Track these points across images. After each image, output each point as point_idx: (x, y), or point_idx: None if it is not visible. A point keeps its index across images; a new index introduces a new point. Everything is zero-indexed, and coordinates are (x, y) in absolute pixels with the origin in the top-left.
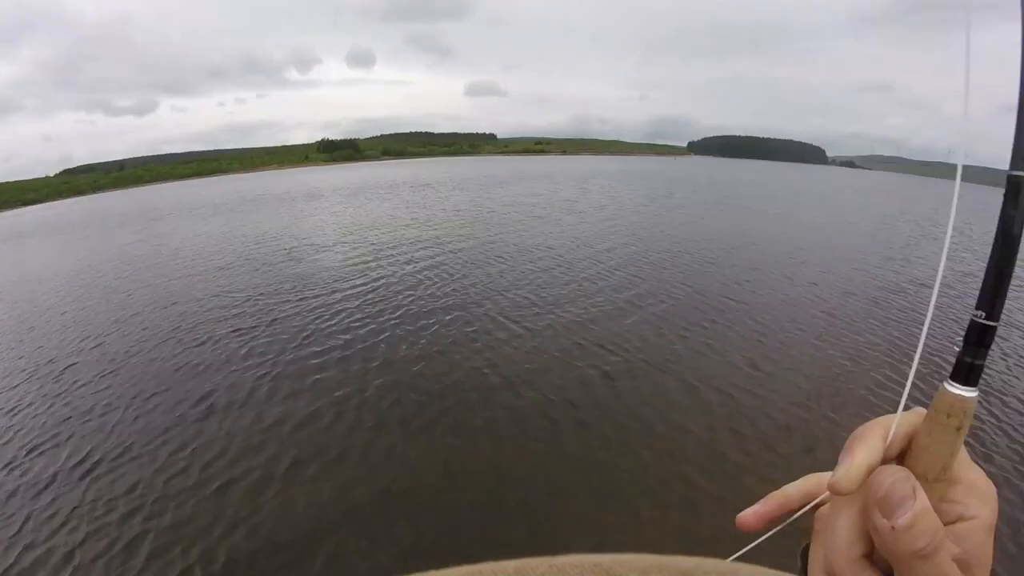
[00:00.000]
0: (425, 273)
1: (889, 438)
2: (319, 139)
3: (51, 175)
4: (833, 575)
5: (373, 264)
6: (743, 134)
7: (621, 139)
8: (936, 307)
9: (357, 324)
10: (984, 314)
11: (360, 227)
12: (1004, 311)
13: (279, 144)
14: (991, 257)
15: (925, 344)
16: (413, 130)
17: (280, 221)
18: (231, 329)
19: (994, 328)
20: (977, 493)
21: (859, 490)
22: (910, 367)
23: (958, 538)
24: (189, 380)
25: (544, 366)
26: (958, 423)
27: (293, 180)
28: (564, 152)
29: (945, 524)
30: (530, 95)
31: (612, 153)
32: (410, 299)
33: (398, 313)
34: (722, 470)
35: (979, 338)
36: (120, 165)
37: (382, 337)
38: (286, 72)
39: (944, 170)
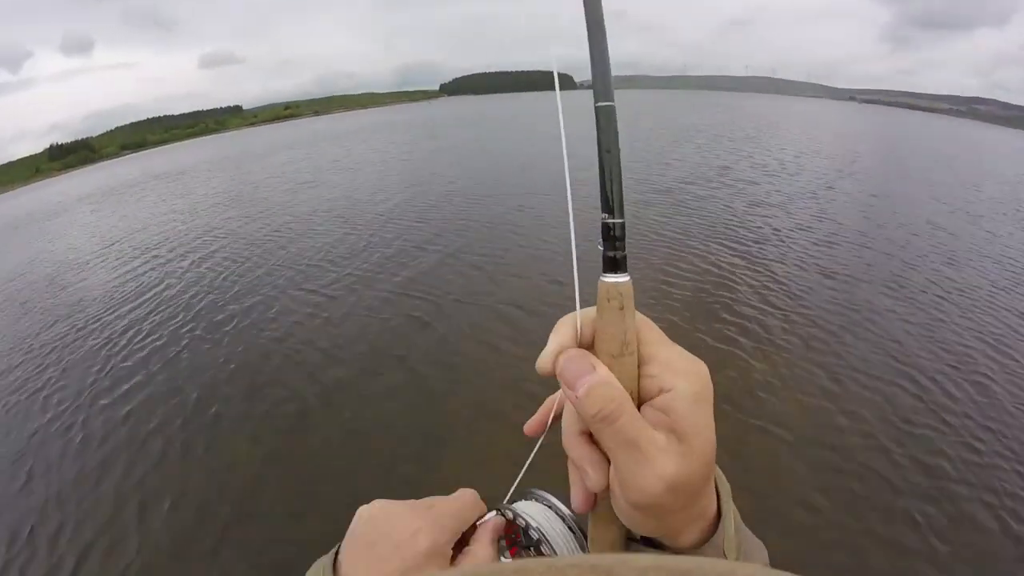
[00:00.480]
0: (207, 266)
1: (578, 328)
2: (47, 146)
3: None
4: (566, 449)
5: (149, 271)
6: (491, 71)
7: (372, 91)
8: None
9: (152, 339)
10: (607, 215)
11: (122, 235)
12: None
13: (2, 161)
14: (600, 171)
15: (579, 248)
16: (150, 116)
17: (26, 252)
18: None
19: (622, 223)
20: (673, 368)
21: None
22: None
23: (663, 409)
24: None
25: (360, 328)
26: (619, 304)
27: (27, 199)
28: (316, 113)
29: (648, 398)
30: (270, 59)
31: (365, 107)
32: (200, 298)
33: (192, 315)
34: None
35: (611, 234)
36: None
37: (183, 345)
38: None
39: (681, 82)
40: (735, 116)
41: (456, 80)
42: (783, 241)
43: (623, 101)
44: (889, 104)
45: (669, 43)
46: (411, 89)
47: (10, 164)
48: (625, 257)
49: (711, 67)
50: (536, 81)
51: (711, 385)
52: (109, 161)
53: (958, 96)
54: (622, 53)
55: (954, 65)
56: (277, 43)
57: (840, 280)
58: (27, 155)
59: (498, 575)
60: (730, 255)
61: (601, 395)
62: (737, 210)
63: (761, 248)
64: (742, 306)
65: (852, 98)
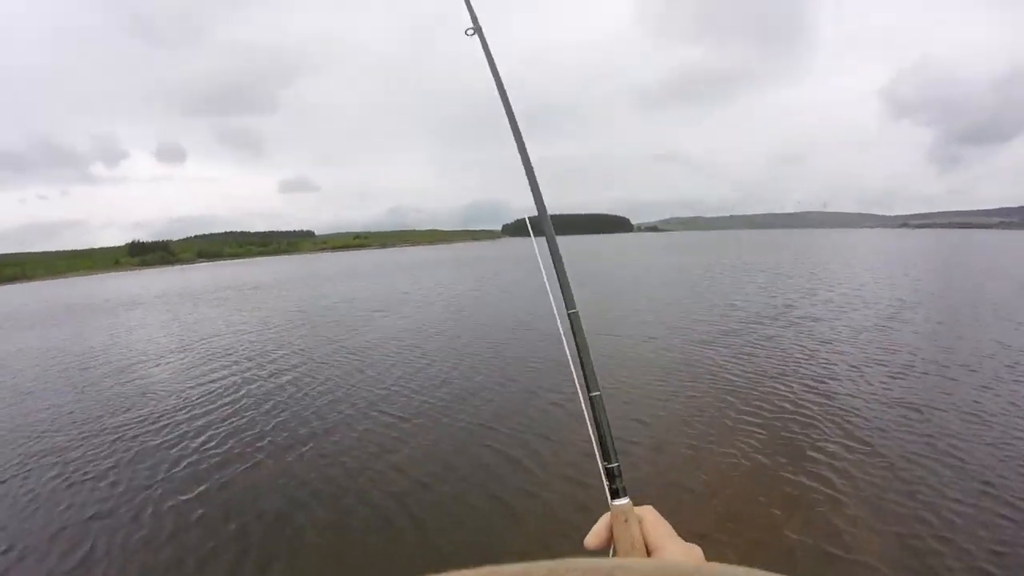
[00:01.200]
0: (286, 380)
1: (602, 532)
2: (129, 240)
3: None
4: None
5: (224, 377)
6: (555, 212)
7: (438, 227)
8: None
9: (230, 445)
10: (606, 462)
11: (197, 338)
12: None
13: (86, 247)
14: (595, 423)
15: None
16: (228, 229)
17: (102, 337)
18: (93, 475)
19: (618, 465)
20: (672, 553)
21: None
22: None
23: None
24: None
25: (445, 457)
26: (624, 518)
27: (107, 287)
28: (383, 245)
29: None
30: (345, 189)
31: (431, 242)
32: (279, 410)
33: (272, 426)
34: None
35: (612, 475)
36: None
37: (264, 455)
38: (92, 166)
39: (735, 221)
40: (792, 252)
41: (517, 221)
42: (858, 375)
43: (684, 242)
44: (943, 226)
45: (722, 183)
46: (475, 228)
47: (93, 251)
48: (624, 487)
49: (764, 204)
50: (598, 223)
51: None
52: (185, 265)
53: (1010, 208)
54: (678, 195)
55: (1003, 175)
56: (353, 175)
57: (918, 410)
58: (110, 246)
59: None
60: (806, 392)
61: None
62: (807, 347)
63: (837, 384)
64: (826, 443)
65: (904, 224)
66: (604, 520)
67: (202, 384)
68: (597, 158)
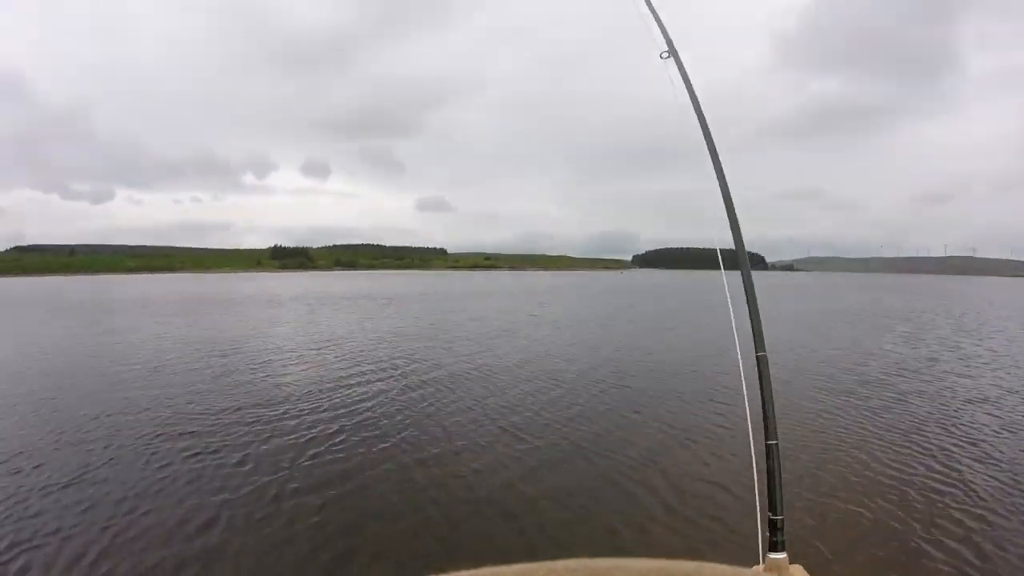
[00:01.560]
0: (417, 390)
1: None
2: (271, 245)
3: (2, 250)
4: None
5: (359, 380)
6: (683, 245)
7: (568, 254)
8: None
9: (355, 445)
10: (772, 513)
11: (334, 339)
12: None
13: (231, 247)
14: (768, 474)
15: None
16: (364, 241)
17: (240, 330)
18: (276, 448)
19: (782, 519)
20: None
21: None
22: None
23: None
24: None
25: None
26: (780, 572)
27: (248, 284)
28: (512, 268)
29: None
30: (478, 212)
31: (560, 268)
32: (408, 418)
33: (398, 433)
34: None
35: (775, 527)
36: (71, 250)
37: (392, 464)
38: (243, 176)
39: (876, 264)
40: (936, 300)
41: (648, 253)
42: (1012, 437)
43: (820, 283)
44: None
45: (863, 223)
46: (604, 256)
47: (238, 251)
48: (784, 541)
49: (908, 247)
50: (726, 259)
51: None
52: (321, 272)
53: None
54: (814, 234)
55: None
56: (486, 197)
57: None
58: (254, 247)
59: None
60: (954, 449)
61: None
62: (951, 407)
63: (990, 446)
64: (977, 507)
65: None
66: (755, 570)
67: (335, 385)
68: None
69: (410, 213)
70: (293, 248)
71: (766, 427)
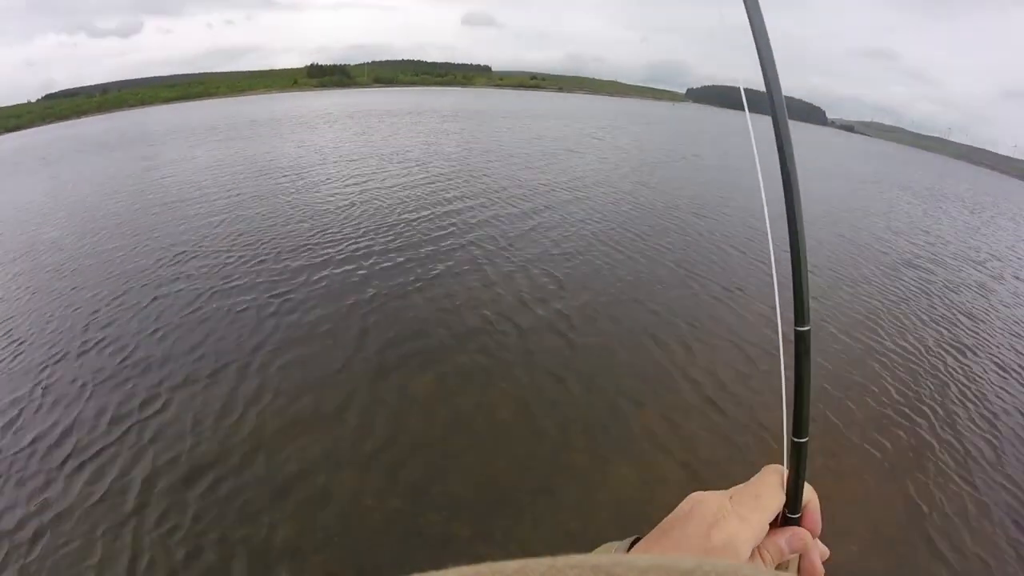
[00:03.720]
0: (474, 205)
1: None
2: (307, 64)
3: (33, 101)
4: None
5: (452, 192)
6: (738, 85)
7: (618, 79)
8: None
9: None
10: (796, 437)
11: (385, 152)
12: None
13: (266, 68)
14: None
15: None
16: (405, 58)
17: (289, 148)
18: (318, 260)
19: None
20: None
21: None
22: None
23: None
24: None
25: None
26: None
27: (287, 104)
28: (560, 89)
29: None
30: (527, 29)
31: (609, 94)
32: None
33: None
34: None
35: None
36: (103, 89)
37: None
38: None
39: (940, 146)
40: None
41: (704, 88)
42: None
43: (882, 151)
44: None
45: (933, 100)
46: (657, 87)
47: (273, 71)
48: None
49: (977, 137)
50: (789, 108)
51: None
52: (361, 89)
53: None
54: (880, 99)
55: None
56: (536, 15)
57: None
58: (289, 67)
59: (499, 574)
60: None
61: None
62: None
63: None
64: None
65: None
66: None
67: (389, 197)
68: (790, 37)
69: (454, 28)
70: (330, 66)
71: (795, 422)
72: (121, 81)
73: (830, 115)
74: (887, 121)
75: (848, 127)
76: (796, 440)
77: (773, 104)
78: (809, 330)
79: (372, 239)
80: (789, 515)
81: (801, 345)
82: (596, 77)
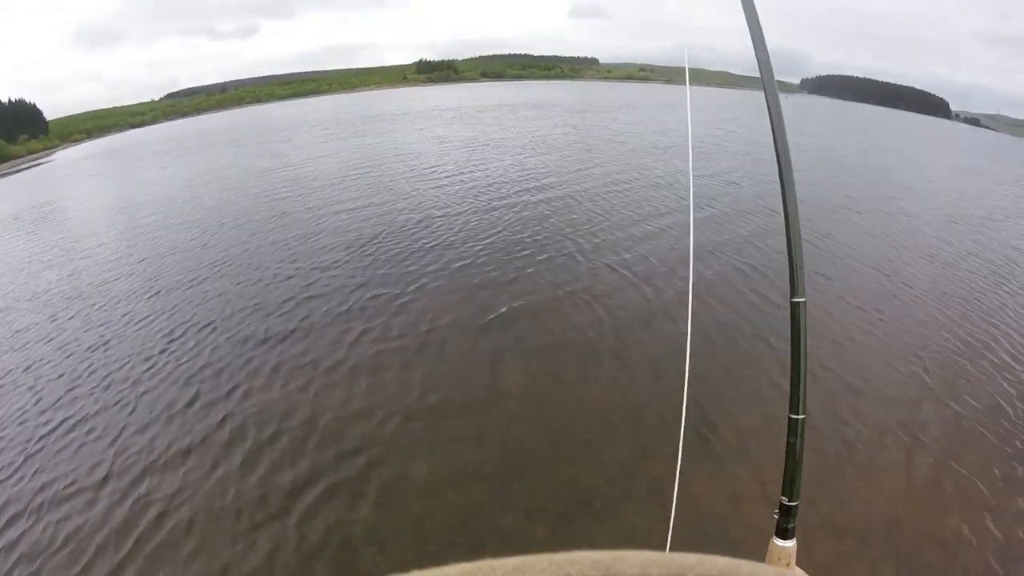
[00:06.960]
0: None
1: None
2: (416, 60)
3: (156, 99)
4: None
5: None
6: (861, 75)
7: (729, 71)
8: None
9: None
10: (786, 498)
11: (535, 143)
12: None
13: (377, 65)
14: (787, 457)
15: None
16: (512, 52)
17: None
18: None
19: (796, 505)
20: None
21: None
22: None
23: None
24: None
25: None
26: (787, 563)
27: (402, 98)
28: (668, 81)
29: None
30: (636, 19)
31: (719, 84)
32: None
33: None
34: None
35: (788, 513)
36: (222, 88)
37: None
38: None
39: None
40: None
41: (821, 78)
42: None
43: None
44: None
45: None
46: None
47: (383, 68)
48: (794, 527)
49: None
50: (912, 100)
51: None
52: (469, 83)
53: None
54: (1013, 90)
55: None
56: (647, 4)
57: None
58: (398, 64)
59: (499, 571)
60: None
61: None
62: None
63: None
64: None
65: None
66: (757, 563)
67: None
68: (907, 16)
69: (561, 21)
70: (439, 61)
71: (792, 397)
72: (239, 80)
73: (954, 107)
74: (1015, 114)
75: (973, 120)
76: (793, 417)
77: (763, 80)
78: (804, 302)
79: None
80: (787, 503)
81: (797, 318)
82: (706, 68)
